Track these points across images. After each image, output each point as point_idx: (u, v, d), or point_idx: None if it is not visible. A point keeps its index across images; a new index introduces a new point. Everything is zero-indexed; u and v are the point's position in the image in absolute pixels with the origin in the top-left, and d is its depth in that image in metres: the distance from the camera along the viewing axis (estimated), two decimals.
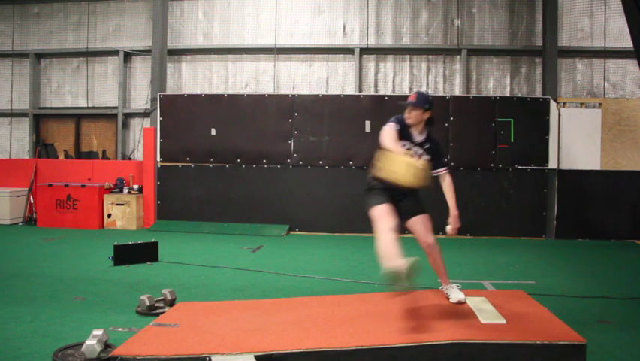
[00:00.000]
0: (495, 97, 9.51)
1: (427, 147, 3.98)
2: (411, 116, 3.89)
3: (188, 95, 10.21)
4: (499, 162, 9.34)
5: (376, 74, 10.67)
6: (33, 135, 11.45)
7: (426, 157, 3.92)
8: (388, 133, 3.75)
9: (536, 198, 9.36)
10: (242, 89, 10.85)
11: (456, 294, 4.08)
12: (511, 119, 9.31)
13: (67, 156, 11.25)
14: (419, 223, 3.99)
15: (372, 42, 10.59)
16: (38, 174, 10.55)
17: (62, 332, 3.95)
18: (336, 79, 10.73)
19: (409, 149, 3.87)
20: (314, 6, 10.72)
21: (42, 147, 11.28)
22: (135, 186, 10.01)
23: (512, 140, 9.30)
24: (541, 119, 9.30)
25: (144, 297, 4.46)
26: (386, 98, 9.60)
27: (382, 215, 3.77)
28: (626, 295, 5.35)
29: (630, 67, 10.06)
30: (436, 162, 4.00)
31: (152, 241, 6.85)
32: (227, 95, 10.07)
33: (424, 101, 3.88)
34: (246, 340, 3.35)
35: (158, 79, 10.33)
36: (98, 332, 3.39)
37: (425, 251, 4.06)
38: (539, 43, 10.19)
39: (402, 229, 3.86)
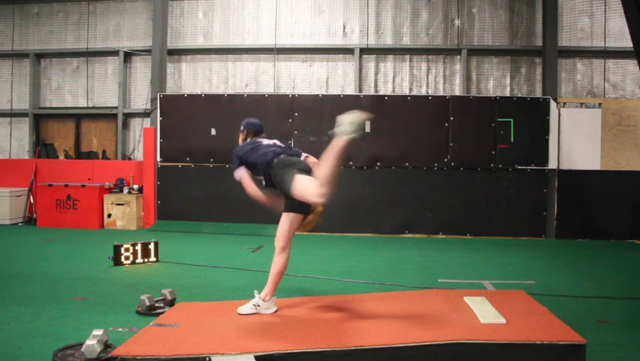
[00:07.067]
0: (495, 97, 9.51)
1: None
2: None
3: (188, 95, 10.21)
4: (499, 162, 9.34)
5: (376, 74, 10.67)
6: (33, 135, 11.45)
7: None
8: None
9: (536, 198, 9.36)
10: (242, 89, 10.85)
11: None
12: (511, 119, 9.32)
13: (67, 156, 11.26)
14: None
15: (372, 42, 10.59)
16: (38, 174, 10.55)
17: (62, 332, 3.94)
18: (336, 79, 10.73)
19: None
20: (314, 6, 10.72)
21: (42, 147, 11.29)
22: (135, 186, 10.01)
23: (512, 140, 9.31)
24: (542, 119, 9.31)
25: (144, 297, 4.46)
26: (386, 98, 9.60)
27: None
28: (626, 295, 5.35)
29: (630, 67, 10.06)
30: None
31: (152, 241, 6.85)
32: (227, 95, 10.07)
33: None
34: (246, 340, 3.35)
35: (158, 79, 10.34)
36: (98, 332, 3.38)
37: None
38: (539, 43, 10.20)
39: None
